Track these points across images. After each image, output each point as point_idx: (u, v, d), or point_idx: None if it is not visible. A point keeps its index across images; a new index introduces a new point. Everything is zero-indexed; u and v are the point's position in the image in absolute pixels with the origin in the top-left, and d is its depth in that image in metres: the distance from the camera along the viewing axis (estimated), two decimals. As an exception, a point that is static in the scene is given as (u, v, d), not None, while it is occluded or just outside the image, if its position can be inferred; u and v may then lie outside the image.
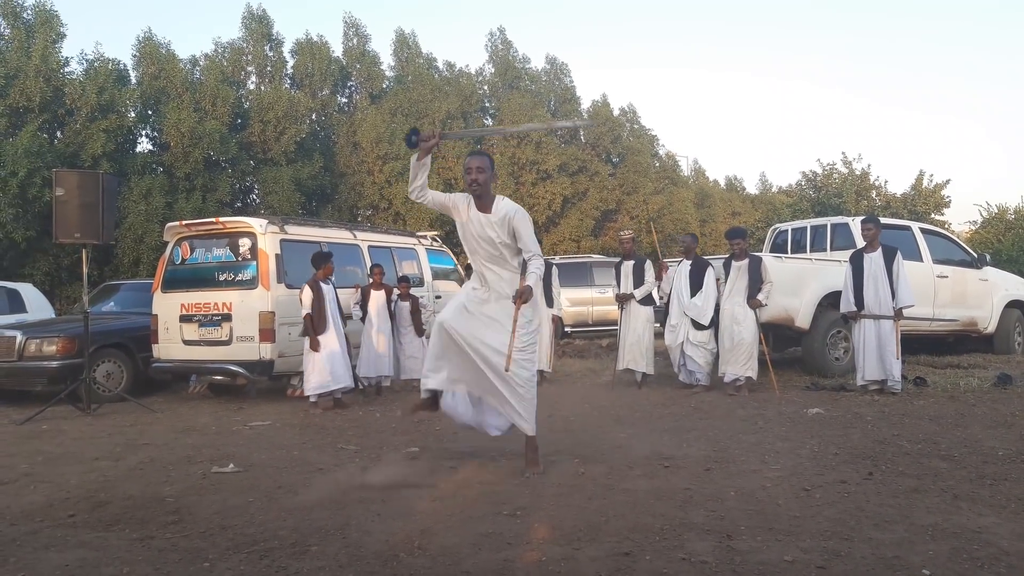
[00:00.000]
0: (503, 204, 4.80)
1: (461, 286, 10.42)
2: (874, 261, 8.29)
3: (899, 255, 8.32)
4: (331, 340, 8.22)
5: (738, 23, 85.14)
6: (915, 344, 11.43)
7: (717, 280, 8.94)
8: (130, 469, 5.51)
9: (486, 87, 27.29)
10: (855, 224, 10.62)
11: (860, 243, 8.99)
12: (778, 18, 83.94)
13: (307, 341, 8.19)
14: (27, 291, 11.87)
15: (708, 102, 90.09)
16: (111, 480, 5.16)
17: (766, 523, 3.85)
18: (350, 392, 8.66)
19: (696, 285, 8.92)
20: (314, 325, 8.12)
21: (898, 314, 8.18)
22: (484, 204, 4.79)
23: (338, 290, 9.37)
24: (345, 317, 8.65)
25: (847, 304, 8.50)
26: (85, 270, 8.76)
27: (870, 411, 7.26)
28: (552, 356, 9.63)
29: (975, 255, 11.83)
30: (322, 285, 8.27)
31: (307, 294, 8.17)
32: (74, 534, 3.97)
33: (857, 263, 8.43)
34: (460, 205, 4.85)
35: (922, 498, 4.28)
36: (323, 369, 8.15)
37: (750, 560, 3.36)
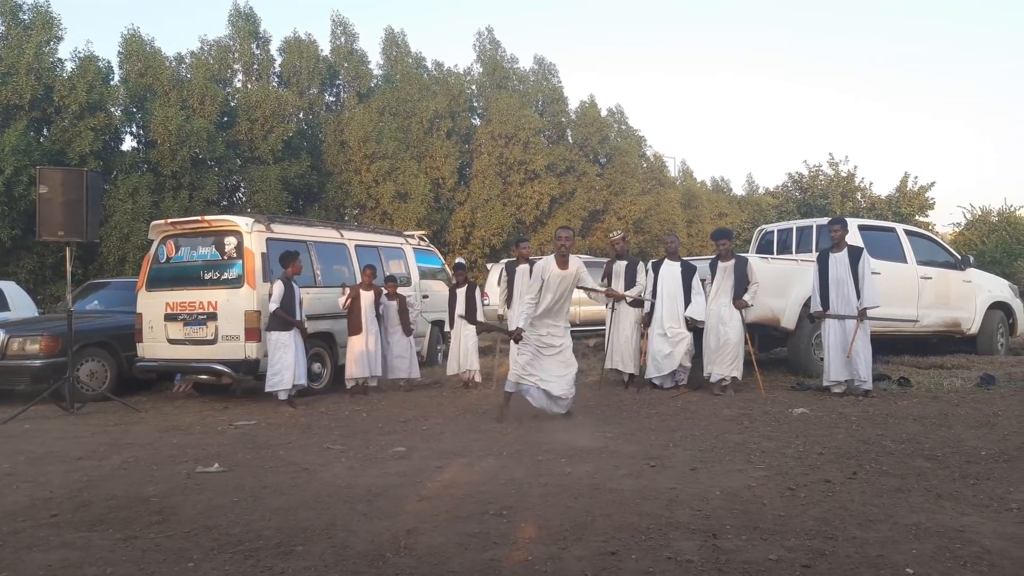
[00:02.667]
0: (574, 260, 6.92)
1: (448, 286, 10.42)
2: (839, 261, 8.32)
3: (865, 255, 8.33)
4: (296, 337, 8.31)
5: (727, 25, 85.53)
6: (899, 344, 11.51)
7: (703, 281, 8.96)
8: (114, 469, 5.47)
9: (474, 87, 27.27)
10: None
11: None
12: (767, 20, 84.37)
13: (271, 337, 8.22)
14: (10, 289, 11.76)
15: (696, 104, 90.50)
16: (94, 480, 5.12)
17: (751, 522, 3.87)
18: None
19: (688, 287, 8.92)
20: (284, 318, 8.16)
21: (862, 314, 8.19)
22: (563, 263, 6.87)
23: (325, 288, 9.40)
24: (303, 318, 8.67)
25: (815, 304, 8.55)
26: (69, 268, 8.68)
27: (855, 411, 7.30)
28: None
29: (959, 257, 11.91)
30: (292, 284, 8.31)
31: (278, 288, 8.21)
32: (57, 534, 3.94)
33: (823, 264, 8.46)
34: (545, 270, 6.89)
35: (906, 497, 4.31)
36: (291, 366, 8.21)
37: (735, 559, 3.37)
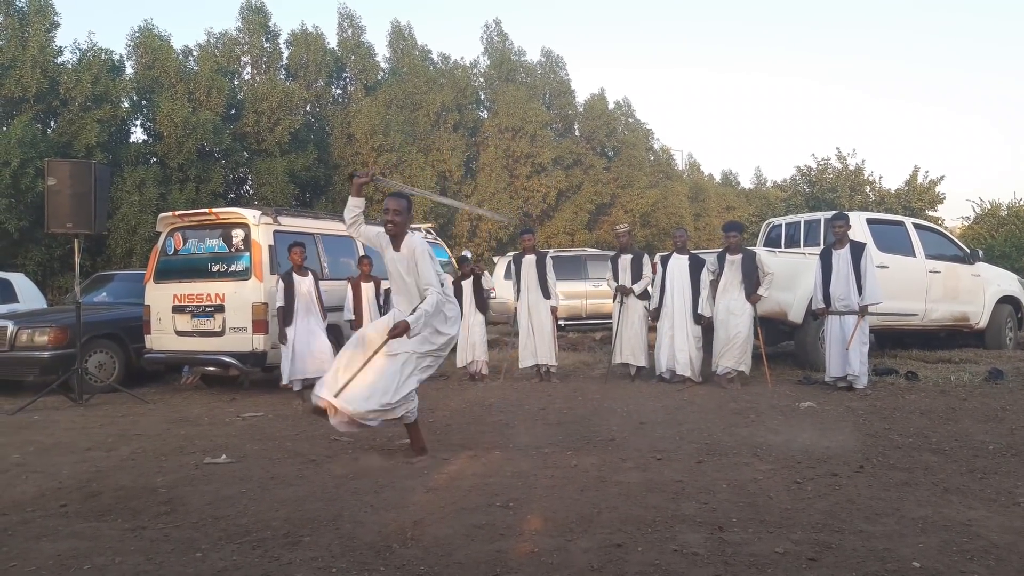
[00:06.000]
0: (410, 240, 5.17)
1: (454, 279, 10.41)
2: (842, 258, 8.29)
3: (867, 251, 8.30)
4: (298, 331, 8.31)
5: (735, 19, 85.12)
6: (907, 338, 11.47)
7: (712, 271, 8.95)
8: (122, 459, 5.50)
9: (481, 79, 27.23)
10: (853, 218, 10.63)
11: (855, 238, 8.97)
12: (774, 14, 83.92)
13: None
14: (19, 281, 11.80)
15: (704, 97, 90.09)
16: (103, 470, 5.15)
17: (758, 515, 3.87)
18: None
19: (696, 280, 8.90)
20: (283, 317, 8.22)
21: (863, 311, 8.15)
22: (398, 243, 5.19)
23: (332, 281, 9.36)
24: (324, 309, 8.67)
25: (817, 301, 8.54)
26: (77, 260, 8.72)
27: (861, 405, 7.29)
28: (556, 350, 9.63)
29: (968, 250, 11.86)
30: (294, 276, 8.30)
31: (279, 286, 8.27)
32: (66, 524, 3.97)
33: (826, 260, 8.44)
34: (383, 244, 5.23)
35: (913, 491, 4.30)
36: (288, 359, 8.24)
37: (741, 552, 3.37)
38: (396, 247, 5.20)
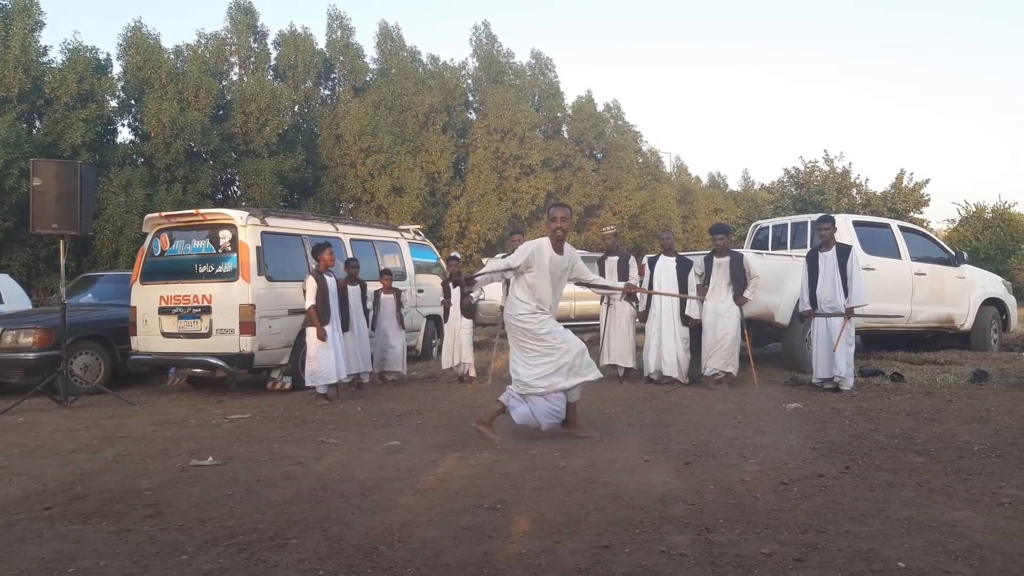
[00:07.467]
0: (568, 247, 5.95)
1: (442, 280, 10.38)
2: (828, 260, 8.34)
3: (853, 253, 8.36)
4: (335, 332, 8.24)
5: (722, 20, 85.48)
6: (893, 340, 11.55)
7: (698, 274, 8.98)
8: (108, 462, 5.47)
9: (470, 80, 27.23)
10: (839, 220, 10.69)
11: (841, 240, 9.03)
12: (762, 15, 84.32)
13: (307, 333, 8.16)
14: (3, 282, 11.70)
15: (692, 99, 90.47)
16: (88, 473, 5.11)
17: (744, 516, 3.89)
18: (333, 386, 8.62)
19: (684, 282, 8.92)
20: (319, 315, 8.07)
21: (849, 313, 8.20)
22: (560, 248, 5.86)
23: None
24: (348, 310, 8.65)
25: (803, 303, 8.58)
26: (63, 261, 8.66)
27: (848, 406, 7.33)
28: None
29: (953, 253, 11.96)
30: (326, 277, 8.24)
31: (310, 284, 8.12)
32: (50, 527, 3.94)
33: (813, 262, 8.48)
34: (538, 254, 5.75)
35: (898, 492, 4.33)
36: (327, 359, 8.08)
37: (728, 553, 3.38)
38: (560, 251, 5.84)
